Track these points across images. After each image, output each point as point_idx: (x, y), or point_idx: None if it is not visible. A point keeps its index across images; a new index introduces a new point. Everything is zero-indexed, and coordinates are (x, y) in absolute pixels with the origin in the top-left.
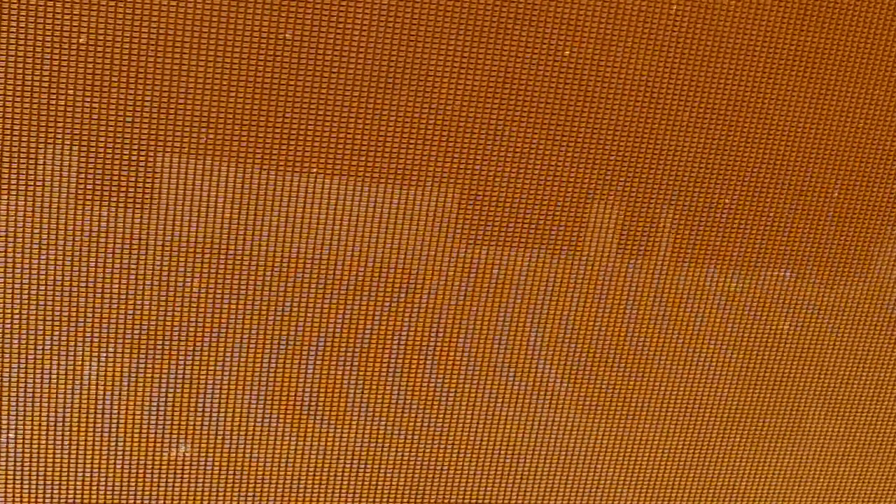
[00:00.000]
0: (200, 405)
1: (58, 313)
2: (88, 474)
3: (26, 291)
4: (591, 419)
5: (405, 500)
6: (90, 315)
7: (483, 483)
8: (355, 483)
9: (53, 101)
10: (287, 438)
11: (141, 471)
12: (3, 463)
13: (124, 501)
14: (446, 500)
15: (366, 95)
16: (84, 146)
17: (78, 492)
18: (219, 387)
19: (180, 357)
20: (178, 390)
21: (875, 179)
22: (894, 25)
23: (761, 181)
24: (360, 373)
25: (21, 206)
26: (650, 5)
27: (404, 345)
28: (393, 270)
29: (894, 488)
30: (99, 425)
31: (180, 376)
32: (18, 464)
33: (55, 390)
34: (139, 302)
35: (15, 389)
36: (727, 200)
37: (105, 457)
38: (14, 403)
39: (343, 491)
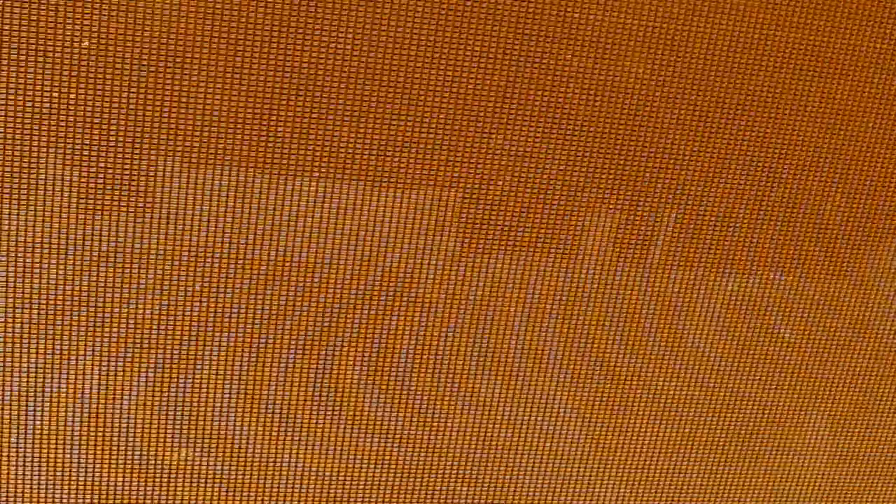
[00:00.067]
0: (202, 409)
1: (58, 320)
2: (90, 479)
3: (27, 298)
4: (590, 423)
5: (406, 503)
6: (90, 321)
7: (483, 486)
8: (358, 486)
9: (55, 108)
10: (289, 442)
11: (143, 475)
12: (6, 468)
13: None
14: (447, 502)
15: (366, 100)
16: (83, 153)
17: (80, 496)
18: (220, 391)
19: (181, 361)
20: (180, 395)
21: (874, 183)
22: (892, 31)
23: (759, 185)
24: (363, 376)
25: (21, 213)
26: (649, 13)
27: (406, 348)
28: (393, 274)
29: (891, 490)
30: (100, 430)
31: (181, 380)
32: (20, 469)
33: (56, 396)
34: (140, 307)
35: (16, 395)
36: (725, 205)
37: (106, 461)
38: (15, 409)
39: (345, 495)
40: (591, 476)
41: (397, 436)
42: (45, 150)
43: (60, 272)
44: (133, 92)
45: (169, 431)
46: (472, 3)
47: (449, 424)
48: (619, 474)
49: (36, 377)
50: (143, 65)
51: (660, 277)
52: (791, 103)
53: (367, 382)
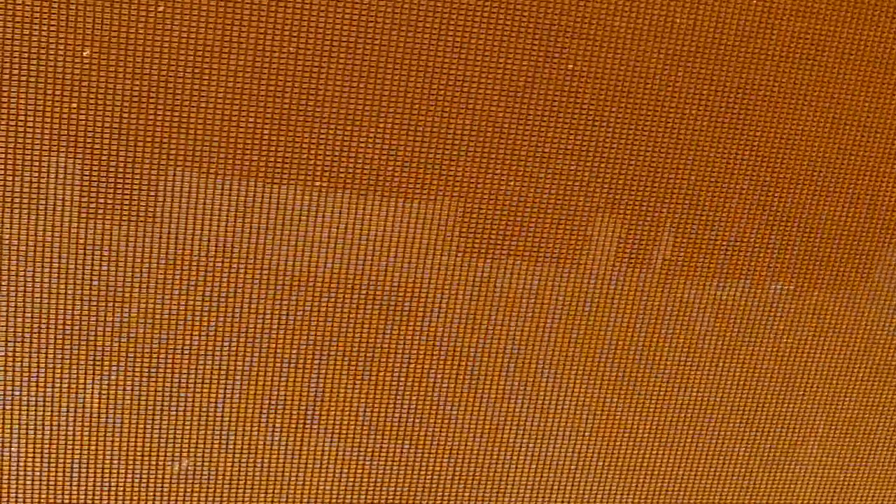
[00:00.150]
0: (202, 419)
1: (60, 328)
2: (90, 489)
3: (29, 305)
4: (592, 430)
5: None
6: (93, 329)
7: (482, 492)
8: (359, 495)
9: (57, 114)
10: (290, 452)
11: (143, 485)
12: (6, 476)
13: None
14: None
15: (369, 110)
16: (87, 159)
17: None
18: (221, 401)
19: (182, 371)
20: (181, 404)
21: (877, 192)
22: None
23: (762, 194)
24: (364, 385)
25: (23, 219)
26: (651, 22)
27: (408, 356)
28: (396, 283)
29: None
30: (101, 439)
31: (183, 390)
32: (18, 483)
33: (57, 404)
34: (142, 316)
35: (13, 406)
36: (728, 213)
37: (107, 471)
38: (17, 416)
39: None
40: (595, 484)
41: (399, 446)
42: (45, 158)
43: (61, 279)
44: (132, 102)
45: (169, 442)
46: (472, 13)
47: (450, 435)
48: (623, 482)
49: (37, 386)
50: (144, 75)
51: (662, 287)
52: (792, 115)
53: (369, 391)
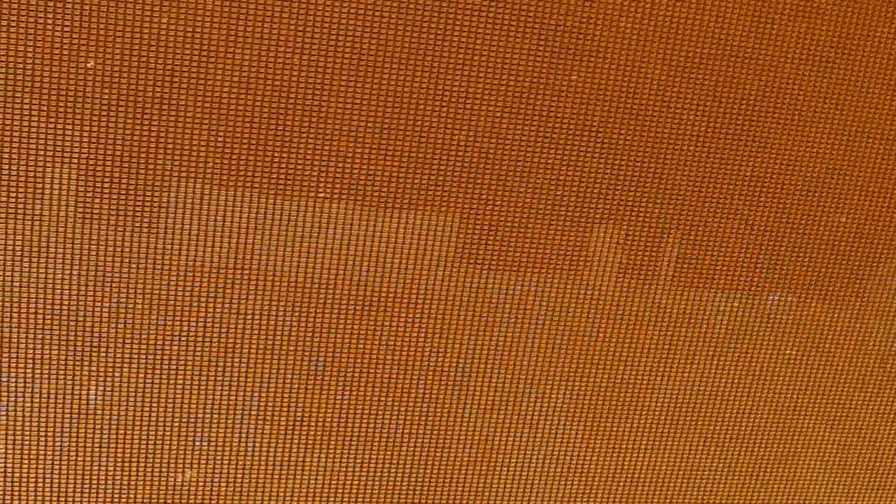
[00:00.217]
0: (207, 429)
1: (63, 335)
2: (94, 499)
3: (31, 312)
4: (593, 441)
5: None
6: (95, 337)
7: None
8: (359, 499)
9: (61, 126)
10: (294, 462)
11: (147, 496)
12: (5, 484)
13: None
14: None
15: (372, 123)
16: (91, 171)
17: None
18: (226, 411)
19: (186, 380)
20: (185, 414)
21: (876, 204)
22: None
23: (764, 205)
24: (365, 396)
25: (28, 230)
26: (652, 31)
27: (408, 367)
28: (397, 293)
29: None
30: (104, 449)
31: (187, 399)
32: (21, 486)
33: (60, 412)
34: (145, 325)
35: (20, 410)
36: (727, 225)
37: (111, 481)
38: (18, 423)
39: None
40: (598, 493)
41: (399, 456)
42: (49, 168)
43: (64, 285)
44: (136, 114)
45: (173, 452)
46: (472, 24)
47: (451, 442)
48: (626, 490)
49: (41, 394)
50: (148, 86)
51: (664, 299)
52: (793, 126)
53: (370, 402)
